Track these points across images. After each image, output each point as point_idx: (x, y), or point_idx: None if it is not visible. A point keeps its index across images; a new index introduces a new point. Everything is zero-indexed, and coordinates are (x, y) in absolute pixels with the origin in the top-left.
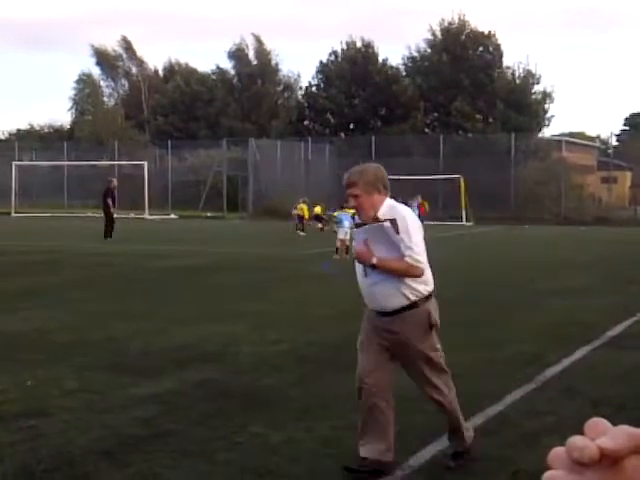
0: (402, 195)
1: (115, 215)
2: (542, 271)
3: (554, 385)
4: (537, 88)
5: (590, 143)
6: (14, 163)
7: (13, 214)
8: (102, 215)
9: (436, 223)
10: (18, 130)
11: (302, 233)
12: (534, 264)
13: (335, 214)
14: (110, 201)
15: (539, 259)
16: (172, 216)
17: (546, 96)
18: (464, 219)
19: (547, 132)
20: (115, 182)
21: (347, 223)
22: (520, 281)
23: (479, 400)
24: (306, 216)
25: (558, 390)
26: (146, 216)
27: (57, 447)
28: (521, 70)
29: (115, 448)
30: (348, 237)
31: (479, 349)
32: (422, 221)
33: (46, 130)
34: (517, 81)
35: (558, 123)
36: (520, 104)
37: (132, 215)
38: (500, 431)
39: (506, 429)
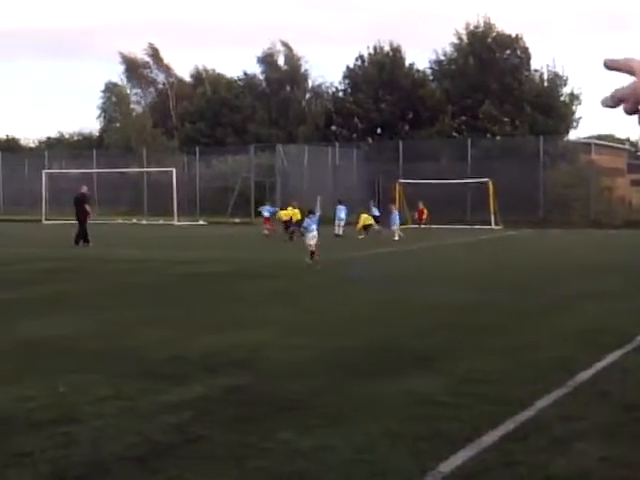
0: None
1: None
2: (572, 275)
3: (586, 390)
4: (564, 90)
5: (619, 145)
6: (44, 171)
7: (44, 221)
8: (76, 222)
9: (465, 227)
10: (48, 138)
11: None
12: (563, 268)
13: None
14: (88, 208)
15: (569, 263)
16: (200, 222)
17: (574, 98)
18: (493, 223)
19: (575, 135)
20: (86, 189)
21: (314, 226)
22: (549, 285)
23: (510, 405)
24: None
25: (590, 395)
26: (175, 222)
27: (89, 453)
28: (548, 73)
29: (147, 454)
30: (315, 242)
31: (509, 354)
32: (425, 226)
33: (75, 138)
34: (545, 84)
35: (586, 125)
36: (548, 107)
37: (161, 222)
38: (531, 436)
39: (537, 434)
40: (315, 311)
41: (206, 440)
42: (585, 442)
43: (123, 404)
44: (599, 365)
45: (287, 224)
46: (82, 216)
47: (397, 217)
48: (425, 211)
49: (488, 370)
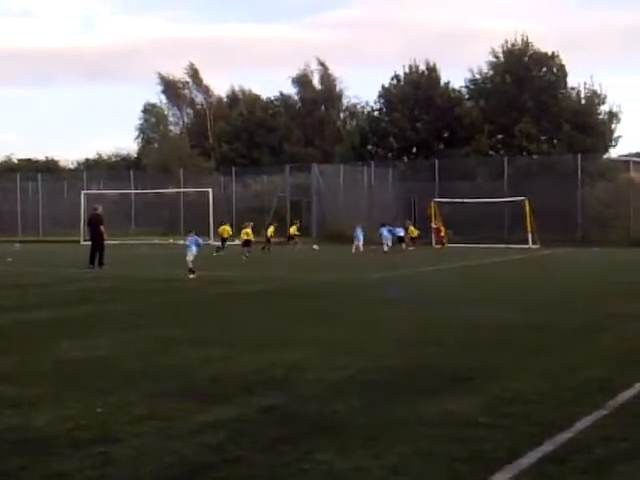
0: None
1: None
2: (611, 294)
3: (626, 411)
4: (603, 108)
5: None
6: (83, 192)
7: (82, 242)
8: (90, 243)
9: (502, 246)
10: (87, 160)
11: (243, 257)
12: (603, 287)
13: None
14: (102, 229)
15: (608, 282)
16: (237, 242)
17: (612, 116)
18: (530, 242)
19: (614, 153)
20: (101, 208)
21: (194, 247)
22: (589, 304)
23: (548, 427)
24: (252, 239)
25: (631, 416)
26: (211, 242)
27: (127, 473)
28: (586, 90)
29: (184, 475)
30: (191, 258)
31: (547, 374)
32: (443, 244)
33: (113, 159)
34: (582, 102)
35: (625, 143)
36: (586, 125)
37: None
38: (571, 459)
39: (577, 456)
40: (353, 330)
41: (243, 460)
42: (626, 464)
43: (161, 424)
44: None
45: (246, 243)
46: (100, 237)
47: (360, 233)
48: (442, 228)
49: (527, 391)
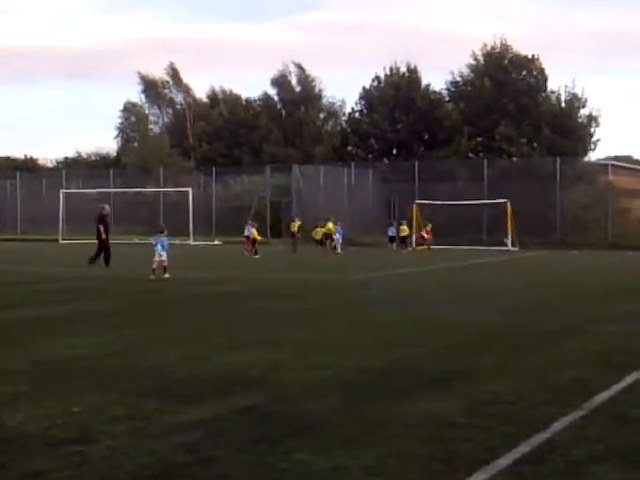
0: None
1: (110, 242)
2: (590, 297)
3: (603, 412)
4: (583, 112)
5: (637, 167)
6: (62, 191)
7: (61, 241)
8: (96, 241)
9: (481, 248)
10: (66, 158)
11: (256, 256)
12: (581, 289)
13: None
14: (102, 228)
15: (586, 284)
16: (216, 242)
17: (592, 120)
18: (509, 244)
19: (593, 156)
20: (108, 208)
21: (160, 247)
22: (567, 307)
23: (525, 427)
24: (257, 238)
25: (607, 417)
26: (190, 242)
27: (103, 473)
28: (566, 94)
29: (160, 474)
30: (164, 258)
31: (525, 376)
32: (428, 246)
33: (93, 158)
34: (562, 105)
35: (604, 147)
36: (565, 128)
37: (177, 241)
38: (547, 459)
39: (554, 457)
40: (331, 331)
41: (220, 460)
42: (602, 465)
43: (137, 424)
44: (617, 387)
45: (254, 242)
46: (98, 236)
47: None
48: (428, 229)
49: (505, 392)
